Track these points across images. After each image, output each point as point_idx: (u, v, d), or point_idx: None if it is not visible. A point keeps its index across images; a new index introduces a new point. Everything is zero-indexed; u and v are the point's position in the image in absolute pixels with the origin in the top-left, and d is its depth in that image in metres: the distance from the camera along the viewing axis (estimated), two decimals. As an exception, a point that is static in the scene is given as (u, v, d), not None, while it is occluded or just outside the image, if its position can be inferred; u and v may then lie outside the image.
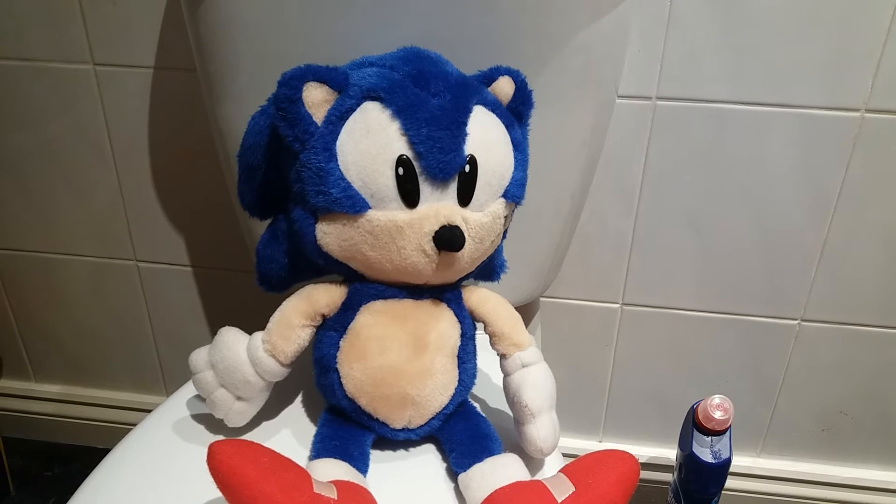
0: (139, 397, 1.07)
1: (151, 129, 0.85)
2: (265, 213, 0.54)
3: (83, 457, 1.09)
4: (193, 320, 0.98)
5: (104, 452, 0.53)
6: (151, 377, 1.05)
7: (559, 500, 0.44)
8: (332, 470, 0.47)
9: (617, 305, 0.89)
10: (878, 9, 0.68)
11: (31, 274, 0.99)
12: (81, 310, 1.01)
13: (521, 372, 0.51)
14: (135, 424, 0.57)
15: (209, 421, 0.54)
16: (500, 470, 0.48)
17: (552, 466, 0.52)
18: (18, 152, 0.89)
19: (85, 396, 1.08)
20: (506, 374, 0.52)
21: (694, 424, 0.79)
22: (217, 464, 0.42)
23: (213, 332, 0.53)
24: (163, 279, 0.96)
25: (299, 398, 0.59)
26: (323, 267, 0.51)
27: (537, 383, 0.50)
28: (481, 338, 0.54)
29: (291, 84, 0.44)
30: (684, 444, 0.81)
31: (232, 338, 0.51)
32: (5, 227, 0.96)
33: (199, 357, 0.52)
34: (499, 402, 0.58)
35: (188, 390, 0.58)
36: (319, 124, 0.45)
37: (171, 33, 0.79)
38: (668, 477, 0.97)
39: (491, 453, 0.50)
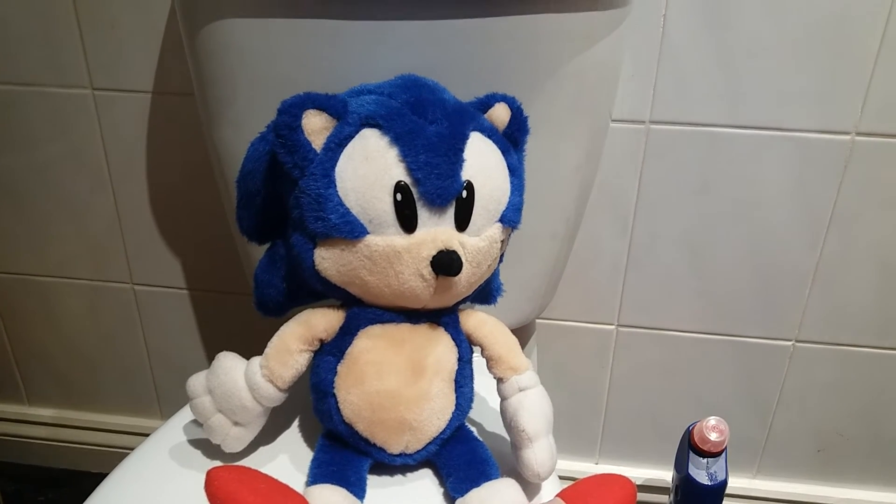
0: (134, 421, 1.06)
1: (149, 153, 0.86)
2: (264, 238, 0.55)
3: (77, 482, 1.08)
4: (189, 343, 0.98)
5: (98, 477, 0.53)
6: (146, 401, 1.05)
7: (557, 525, 0.44)
8: (329, 496, 0.47)
9: (612, 327, 0.89)
10: (866, 34, 0.70)
11: (26, 297, 0.99)
12: (76, 333, 1.00)
13: (518, 396, 0.51)
14: (129, 448, 0.57)
15: (206, 446, 0.54)
16: (498, 495, 0.48)
17: (549, 491, 0.52)
18: (16, 175, 0.90)
19: (79, 420, 1.07)
20: (503, 398, 0.52)
21: (690, 446, 0.79)
22: (215, 490, 0.42)
23: (210, 356, 0.53)
24: (159, 302, 0.96)
25: (296, 423, 0.59)
26: (321, 292, 0.51)
27: (534, 407, 0.51)
28: (478, 361, 0.54)
29: (291, 112, 0.45)
30: (680, 465, 0.81)
31: (230, 363, 0.51)
32: (1, 250, 0.96)
33: (197, 382, 0.52)
34: (496, 426, 0.58)
35: (185, 415, 0.58)
36: (318, 151, 0.46)
37: (169, 58, 0.80)
38: (664, 499, 0.97)
39: (488, 478, 0.50)
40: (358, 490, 0.50)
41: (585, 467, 0.99)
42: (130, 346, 1.00)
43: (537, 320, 0.89)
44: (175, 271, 0.93)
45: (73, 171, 0.88)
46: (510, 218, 0.51)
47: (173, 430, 0.57)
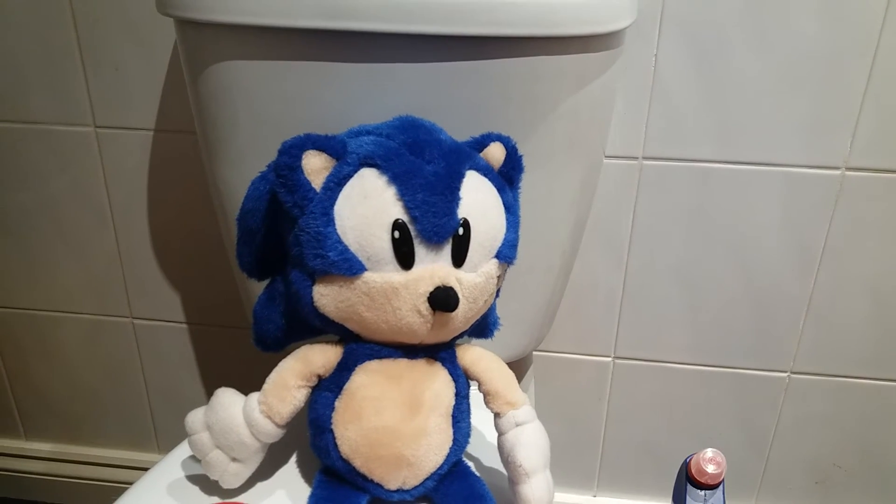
0: (132, 455, 1.05)
1: (150, 190, 0.87)
2: (263, 275, 0.55)
3: (73, 516, 1.07)
4: (188, 377, 0.98)
5: (97, 514, 0.53)
6: (145, 435, 1.04)
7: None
8: (327, 532, 0.47)
9: (609, 359, 0.90)
10: (854, 70, 0.71)
11: (25, 331, 0.99)
12: (75, 367, 1.00)
13: (515, 431, 0.51)
14: (127, 483, 0.57)
15: (204, 482, 0.54)
16: (495, 531, 0.48)
17: (547, 526, 0.52)
18: (18, 211, 0.90)
19: (77, 455, 1.06)
20: (500, 433, 0.52)
21: (687, 479, 0.79)
22: (213, 527, 0.42)
23: (208, 390, 0.53)
24: (158, 337, 0.96)
25: (294, 459, 0.59)
26: (319, 327, 0.51)
27: (531, 443, 0.51)
28: (475, 395, 0.54)
29: (291, 152, 0.46)
30: (678, 498, 0.80)
31: (228, 399, 0.51)
32: (1, 284, 0.96)
33: (195, 418, 0.52)
34: (493, 461, 0.58)
35: (184, 450, 0.58)
36: (318, 190, 0.47)
37: (171, 97, 0.81)
38: (663, 532, 0.97)
39: (486, 514, 0.50)
40: (355, 526, 0.50)
41: (583, 500, 0.99)
42: (129, 381, 1.00)
43: (534, 353, 0.90)
44: (175, 306, 0.94)
45: (75, 207, 0.89)
46: (506, 254, 0.51)
47: (172, 466, 0.57)
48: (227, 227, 0.66)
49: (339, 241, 0.47)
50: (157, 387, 1.00)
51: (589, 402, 0.93)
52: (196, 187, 0.85)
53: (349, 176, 0.47)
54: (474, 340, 0.58)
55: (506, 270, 0.53)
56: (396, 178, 0.47)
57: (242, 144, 0.61)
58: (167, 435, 1.03)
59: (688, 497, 0.79)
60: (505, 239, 0.51)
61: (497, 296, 0.55)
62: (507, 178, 0.53)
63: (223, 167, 0.63)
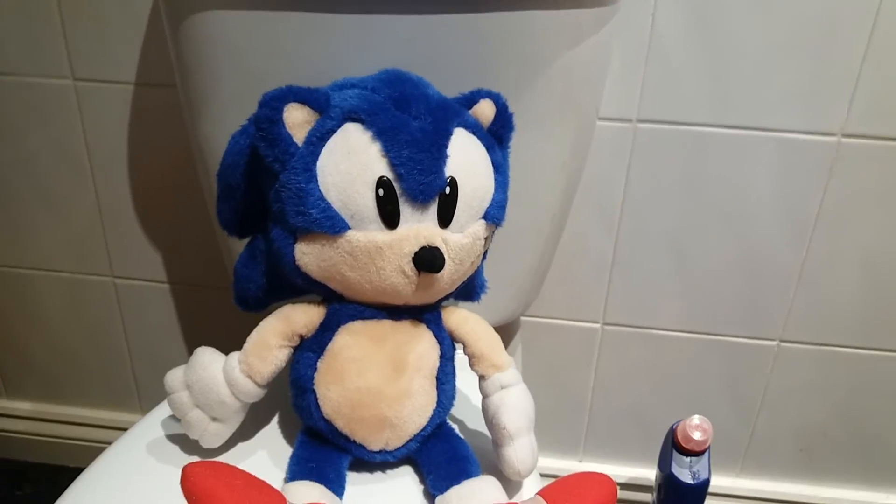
0: (113, 415, 1.05)
1: (131, 145, 0.85)
2: (244, 233, 0.54)
3: (55, 476, 1.07)
4: (170, 337, 0.97)
5: (76, 472, 0.53)
6: (126, 395, 1.04)
7: (536, 524, 0.44)
8: (307, 492, 0.47)
9: (598, 325, 0.89)
10: (853, 35, 0.70)
11: (5, 289, 0.98)
12: (56, 325, 0.99)
13: (500, 393, 0.51)
14: (108, 443, 0.56)
15: (184, 441, 0.54)
16: (478, 493, 0.48)
17: (530, 489, 0.52)
18: (-5, 166, 0.89)
19: (57, 414, 1.06)
20: (484, 396, 0.52)
21: (673, 445, 0.79)
22: (191, 486, 0.41)
23: (190, 350, 0.52)
24: (140, 296, 0.95)
25: (275, 419, 0.58)
26: (301, 287, 0.51)
27: (516, 405, 0.50)
28: (460, 358, 0.53)
29: (272, 105, 0.44)
30: (663, 464, 0.81)
31: (208, 358, 0.51)
32: (-20, 242, 0.95)
33: (175, 377, 0.51)
34: (477, 424, 0.58)
35: (164, 410, 0.58)
36: (300, 145, 0.45)
37: (152, 49, 0.79)
38: (647, 497, 0.97)
39: (469, 475, 0.50)
40: (337, 487, 0.49)
41: (569, 465, 0.99)
42: (110, 340, 0.99)
43: (522, 318, 0.89)
44: (156, 265, 0.93)
45: (54, 162, 0.87)
46: (494, 215, 0.51)
47: (152, 425, 0.57)
48: (208, 184, 0.65)
49: (322, 199, 0.45)
50: (138, 346, 0.99)
51: (576, 368, 0.93)
52: (178, 143, 0.83)
53: (332, 130, 0.46)
54: (460, 303, 0.57)
55: (493, 232, 0.53)
56: (381, 134, 0.45)
57: (225, 99, 0.59)
58: (150, 395, 1.03)
59: (673, 463, 0.79)
60: (493, 199, 0.50)
61: (484, 258, 0.55)
62: (496, 136, 0.52)
63: (205, 122, 0.62)
